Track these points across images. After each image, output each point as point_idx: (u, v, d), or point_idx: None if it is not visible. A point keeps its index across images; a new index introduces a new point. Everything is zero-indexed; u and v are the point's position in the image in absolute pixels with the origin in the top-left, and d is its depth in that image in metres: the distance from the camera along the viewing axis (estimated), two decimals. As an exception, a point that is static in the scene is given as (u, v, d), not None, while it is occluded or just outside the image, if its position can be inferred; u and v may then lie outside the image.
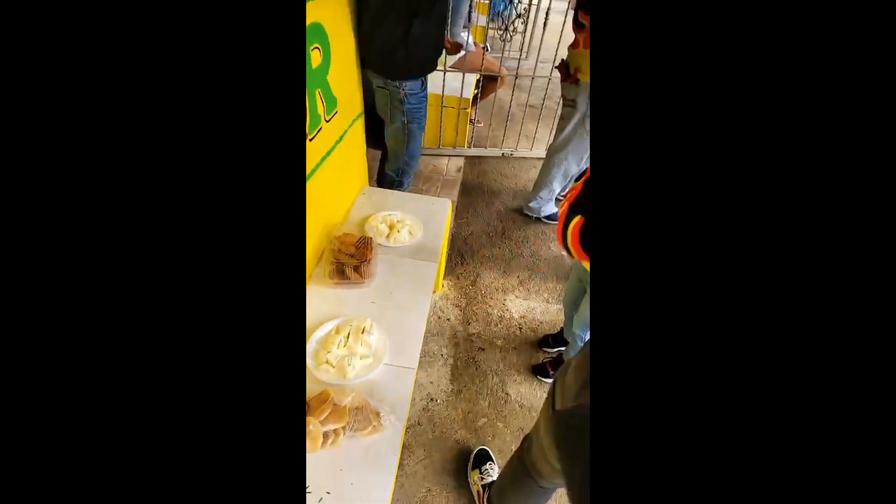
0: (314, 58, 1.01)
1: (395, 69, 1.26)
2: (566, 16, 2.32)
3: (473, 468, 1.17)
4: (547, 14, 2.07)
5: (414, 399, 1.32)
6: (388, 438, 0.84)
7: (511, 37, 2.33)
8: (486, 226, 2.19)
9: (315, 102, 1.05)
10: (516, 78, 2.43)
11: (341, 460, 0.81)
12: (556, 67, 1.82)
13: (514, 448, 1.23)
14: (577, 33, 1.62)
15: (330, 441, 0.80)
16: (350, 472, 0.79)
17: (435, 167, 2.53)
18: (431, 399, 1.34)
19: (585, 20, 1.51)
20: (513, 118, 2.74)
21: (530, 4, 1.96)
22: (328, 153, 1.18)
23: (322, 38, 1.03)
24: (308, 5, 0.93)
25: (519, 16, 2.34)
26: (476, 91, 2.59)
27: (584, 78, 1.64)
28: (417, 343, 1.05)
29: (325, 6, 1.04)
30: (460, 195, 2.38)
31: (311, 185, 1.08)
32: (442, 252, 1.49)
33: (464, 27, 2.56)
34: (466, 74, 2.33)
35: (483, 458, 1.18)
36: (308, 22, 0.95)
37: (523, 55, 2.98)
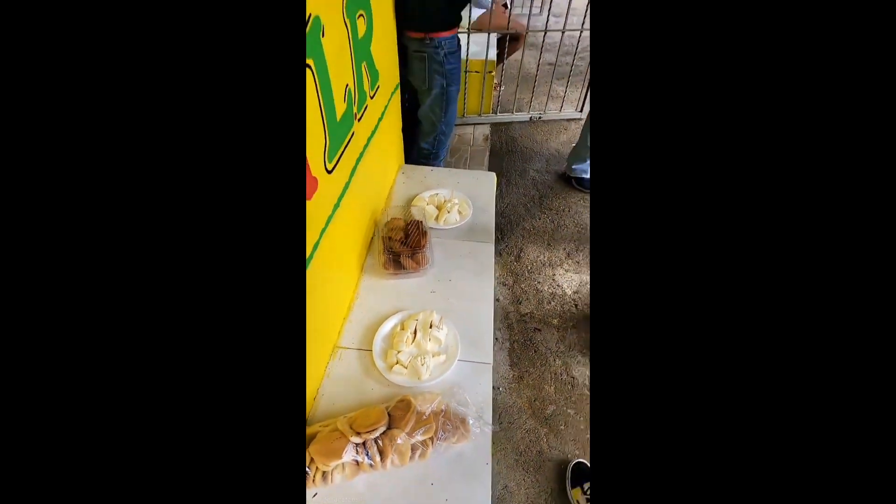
0: (360, 26, 0.86)
1: (432, 20, 1.12)
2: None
3: (574, 485, 1.05)
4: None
5: (476, 389, 1.25)
6: (478, 446, 0.77)
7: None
8: (523, 196, 2.06)
9: (362, 78, 0.92)
10: (545, 35, 2.22)
11: (432, 474, 0.73)
12: None
13: (588, 437, 1.16)
14: None
15: (419, 453, 0.73)
16: (443, 488, 0.72)
17: (461, 137, 2.37)
18: (494, 387, 1.27)
19: None
20: (538, 80, 2.54)
21: None
22: (373, 132, 1.05)
23: (366, 5, 0.88)
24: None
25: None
26: (499, 51, 2.39)
27: None
28: (489, 334, 0.95)
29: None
30: (490, 164, 2.23)
31: (359, 171, 0.97)
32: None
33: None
34: (488, 36, 2.13)
35: (584, 472, 1.07)
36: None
37: (544, 13, 2.73)
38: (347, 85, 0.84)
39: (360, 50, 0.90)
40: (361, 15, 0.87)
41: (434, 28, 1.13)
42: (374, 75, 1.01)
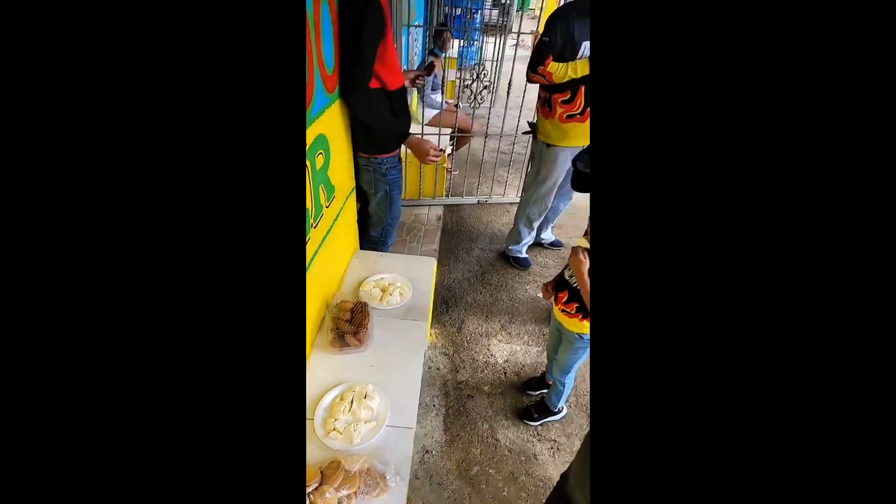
0: (318, 161, 1.15)
1: (376, 147, 1.44)
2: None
3: None
4: (510, 84, 2.33)
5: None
6: (394, 499, 0.94)
7: (479, 104, 2.57)
8: (468, 271, 2.33)
9: (318, 196, 1.18)
10: (486, 136, 2.65)
11: (354, 524, 0.89)
12: (529, 124, 2.09)
13: (505, 495, 1.33)
14: (539, 103, 1.88)
15: (343, 507, 0.89)
16: (363, 535, 0.88)
17: (416, 217, 2.68)
18: (427, 451, 1.43)
19: (537, 80, 1.73)
20: (485, 166, 2.96)
21: (495, 78, 2.24)
22: (328, 232, 1.30)
23: (325, 145, 1.18)
24: (316, 123, 1.08)
25: (486, 87, 2.60)
26: (451, 143, 2.80)
27: (542, 137, 1.89)
28: (414, 402, 1.15)
29: (328, 121, 1.19)
30: (441, 242, 2.52)
31: (313, 266, 1.20)
32: (430, 308, 1.61)
33: (433, 89, 2.79)
34: (442, 130, 2.53)
35: None
36: (314, 136, 1.09)
37: (492, 107, 3.23)
38: (306, 206, 1.10)
39: (318, 178, 1.17)
40: (321, 153, 1.16)
41: (378, 152, 1.45)
42: (330, 190, 1.28)
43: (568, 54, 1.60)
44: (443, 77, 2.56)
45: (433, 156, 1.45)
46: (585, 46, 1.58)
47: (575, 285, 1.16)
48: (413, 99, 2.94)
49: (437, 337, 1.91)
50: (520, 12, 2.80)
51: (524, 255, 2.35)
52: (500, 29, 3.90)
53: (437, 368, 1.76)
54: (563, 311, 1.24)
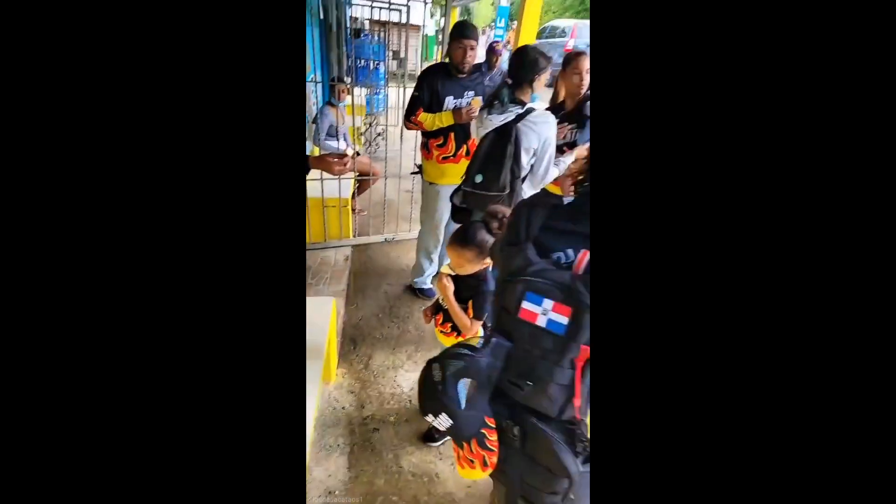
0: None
1: None
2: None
3: None
4: (402, 130, 2.55)
5: (311, 497, 1.39)
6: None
7: (376, 149, 2.75)
8: (376, 308, 2.40)
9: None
10: (386, 178, 2.82)
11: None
12: (416, 165, 2.28)
13: (408, 518, 1.37)
14: (421, 147, 2.09)
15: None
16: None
17: (323, 260, 2.70)
18: (329, 492, 1.42)
19: (412, 127, 1.94)
20: (391, 204, 3.11)
21: (386, 126, 2.46)
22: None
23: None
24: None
25: (379, 134, 2.80)
26: (354, 188, 2.92)
27: (426, 177, 2.12)
28: (305, 441, 1.17)
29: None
30: (350, 282, 2.57)
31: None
32: (329, 346, 1.65)
33: (329, 135, 2.92)
34: (341, 175, 2.64)
35: None
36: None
37: (390, 149, 3.44)
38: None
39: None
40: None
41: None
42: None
43: (435, 107, 1.83)
44: (338, 126, 2.71)
45: (338, 165, 1.47)
46: (448, 101, 1.83)
47: (446, 307, 1.29)
48: (312, 147, 3.04)
49: (343, 376, 1.92)
50: (425, 61, 3.10)
51: (428, 285, 2.48)
52: (400, 78, 4.21)
53: (343, 407, 1.76)
54: (441, 331, 1.36)
